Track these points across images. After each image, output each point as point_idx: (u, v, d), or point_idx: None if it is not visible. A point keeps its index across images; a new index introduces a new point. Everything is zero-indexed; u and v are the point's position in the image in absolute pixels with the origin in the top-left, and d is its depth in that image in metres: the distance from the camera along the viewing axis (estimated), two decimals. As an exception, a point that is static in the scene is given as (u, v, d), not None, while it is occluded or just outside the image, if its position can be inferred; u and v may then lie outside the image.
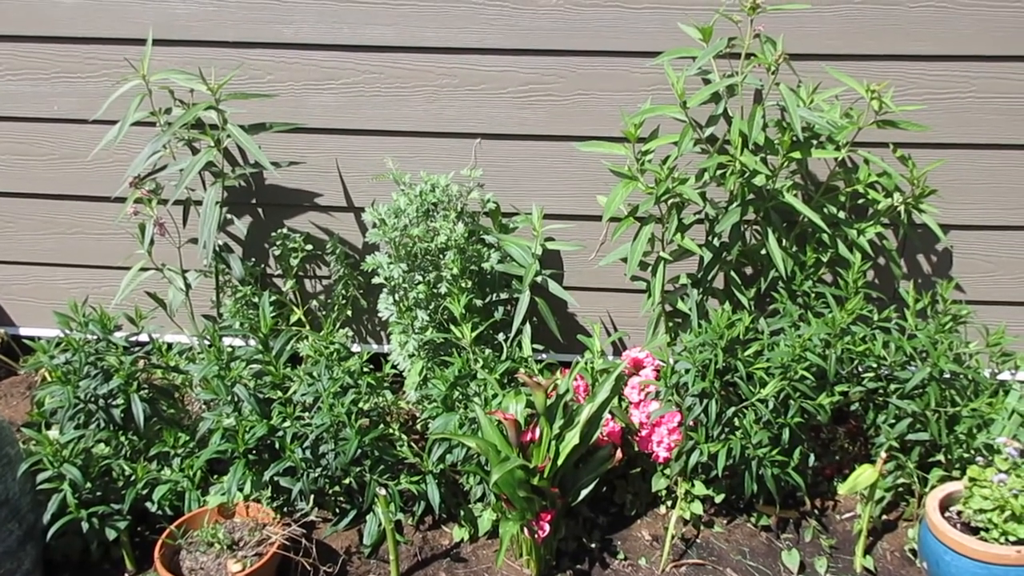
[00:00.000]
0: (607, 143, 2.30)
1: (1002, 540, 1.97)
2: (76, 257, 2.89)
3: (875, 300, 2.47)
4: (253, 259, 2.78)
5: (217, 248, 2.59)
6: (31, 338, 2.28)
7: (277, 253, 2.70)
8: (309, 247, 2.70)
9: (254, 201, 2.73)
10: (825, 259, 2.39)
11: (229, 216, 2.70)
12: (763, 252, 2.35)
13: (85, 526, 2.09)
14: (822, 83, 2.33)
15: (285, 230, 2.68)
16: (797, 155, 2.24)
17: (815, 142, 2.31)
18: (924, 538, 2.10)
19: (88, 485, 2.12)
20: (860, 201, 2.45)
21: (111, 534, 2.13)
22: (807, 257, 2.37)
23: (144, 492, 2.20)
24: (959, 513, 2.09)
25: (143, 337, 2.33)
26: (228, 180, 2.50)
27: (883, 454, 2.15)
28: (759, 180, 2.24)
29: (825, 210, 2.37)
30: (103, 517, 2.12)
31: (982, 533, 2.00)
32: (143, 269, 2.57)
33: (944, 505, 2.11)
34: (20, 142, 2.73)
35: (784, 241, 2.37)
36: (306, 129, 2.58)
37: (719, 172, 2.28)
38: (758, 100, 2.24)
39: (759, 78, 2.25)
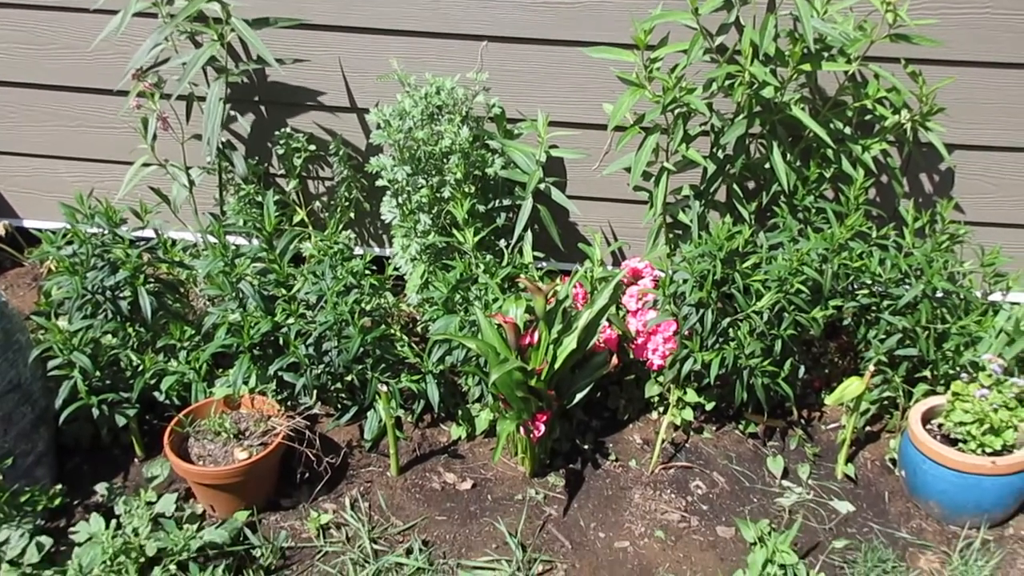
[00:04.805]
0: (616, 49, 2.27)
1: (979, 451, 2.05)
2: (80, 150, 2.88)
3: (875, 217, 2.49)
4: (256, 158, 2.77)
5: (220, 145, 2.58)
6: (36, 230, 2.30)
7: (280, 152, 2.69)
8: (312, 147, 2.69)
9: (257, 99, 2.71)
10: (828, 175, 2.39)
11: (232, 113, 2.67)
12: (767, 166, 2.35)
13: (95, 412, 2.16)
14: (837, -6, 2.28)
15: (288, 129, 2.67)
16: (807, 67, 2.21)
17: (826, 55, 2.28)
18: (904, 448, 2.18)
19: (97, 373, 2.17)
20: (867, 117, 2.43)
21: (121, 421, 2.19)
22: (810, 172, 2.37)
23: (152, 382, 2.26)
24: (940, 426, 2.16)
25: (148, 232, 2.35)
26: (231, 76, 2.47)
27: (871, 367, 2.20)
28: (768, 92, 2.22)
29: (832, 125, 2.36)
30: (113, 404, 2.19)
31: (960, 444, 2.08)
32: (146, 164, 2.57)
33: (926, 418, 2.18)
34: (19, 30, 2.67)
35: (788, 155, 2.36)
36: (310, 25, 2.53)
37: (727, 83, 2.26)
38: (771, 9, 2.20)
39: (774, -14, 2.20)
